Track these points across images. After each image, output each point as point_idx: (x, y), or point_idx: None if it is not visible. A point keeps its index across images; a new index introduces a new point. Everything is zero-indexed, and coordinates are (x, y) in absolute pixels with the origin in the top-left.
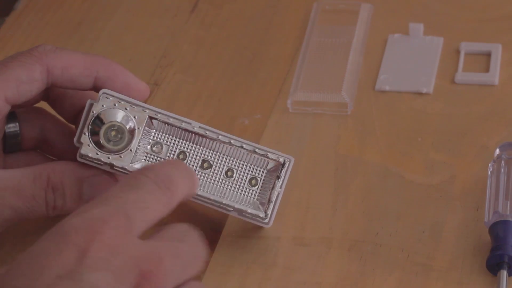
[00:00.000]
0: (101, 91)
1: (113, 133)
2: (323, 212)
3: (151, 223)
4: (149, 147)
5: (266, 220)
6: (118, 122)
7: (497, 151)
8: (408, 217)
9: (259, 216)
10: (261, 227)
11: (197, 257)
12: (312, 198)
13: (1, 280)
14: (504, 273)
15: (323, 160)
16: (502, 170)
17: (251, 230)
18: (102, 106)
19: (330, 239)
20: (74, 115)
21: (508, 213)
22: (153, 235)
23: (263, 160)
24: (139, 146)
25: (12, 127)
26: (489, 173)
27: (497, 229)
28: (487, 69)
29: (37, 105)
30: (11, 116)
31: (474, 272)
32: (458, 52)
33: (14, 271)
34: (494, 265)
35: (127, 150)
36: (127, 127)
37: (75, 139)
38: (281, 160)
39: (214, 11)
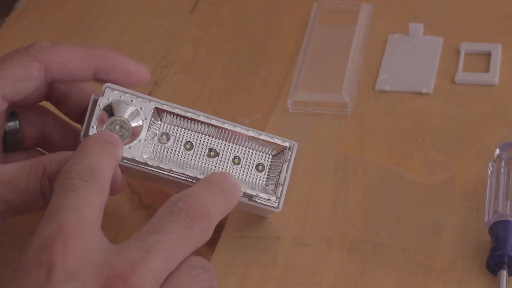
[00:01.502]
0: (104, 85)
1: (117, 127)
2: (323, 212)
3: (100, 215)
4: (155, 138)
5: (276, 204)
6: (122, 117)
7: (497, 151)
8: (408, 217)
9: (270, 200)
10: (261, 224)
11: (179, 239)
12: (312, 198)
13: None
14: (504, 273)
15: (323, 160)
16: (502, 170)
17: (251, 230)
18: (108, 99)
19: (330, 239)
20: (80, 114)
21: (508, 213)
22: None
23: (268, 146)
24: (146, 137)
25: (12, 125)
26: (489, 173)
27: (497, 229)
28: (487, 69)
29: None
30: (12, 115)
31: (474, 272)
32: (458, 52)
33: None
34: (494, 265)
35: (136, 140)
36: (132, 120)
37: (82, 134)
38: (287, 144)
39: (214, 11)
